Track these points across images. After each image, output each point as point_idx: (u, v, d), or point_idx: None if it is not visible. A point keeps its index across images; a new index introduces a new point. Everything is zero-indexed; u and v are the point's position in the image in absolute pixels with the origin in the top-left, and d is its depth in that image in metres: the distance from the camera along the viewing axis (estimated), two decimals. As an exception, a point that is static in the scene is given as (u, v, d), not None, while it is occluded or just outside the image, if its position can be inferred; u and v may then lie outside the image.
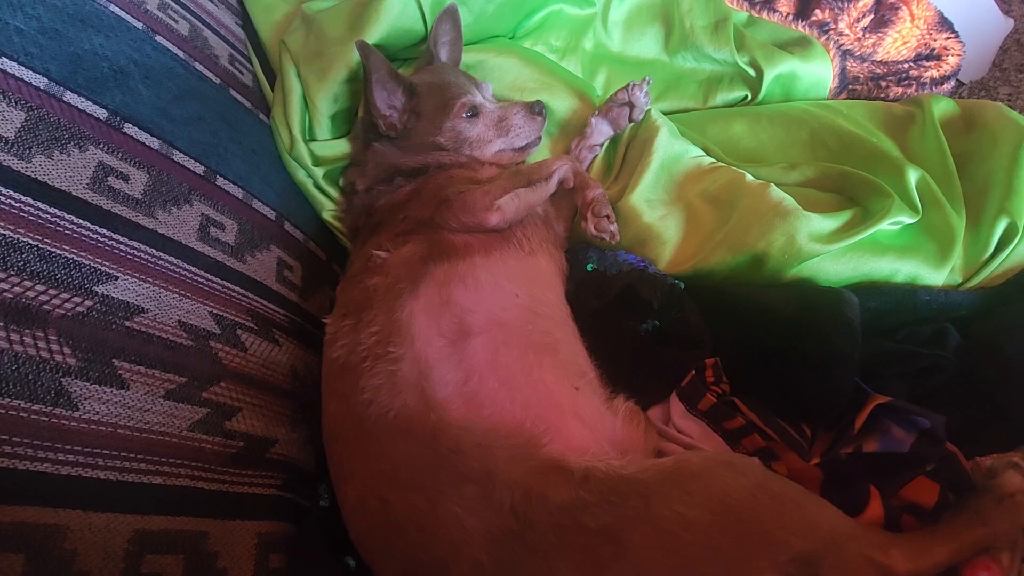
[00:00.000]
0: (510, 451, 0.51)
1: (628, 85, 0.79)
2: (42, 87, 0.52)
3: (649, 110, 0.81)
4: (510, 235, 0.67)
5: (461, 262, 0.62)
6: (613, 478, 0.48)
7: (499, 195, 0.66)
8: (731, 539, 0.45)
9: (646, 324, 0.65)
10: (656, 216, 0.73)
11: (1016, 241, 0.64)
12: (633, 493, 0.47)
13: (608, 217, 0.71)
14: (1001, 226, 0.64)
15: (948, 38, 0.91)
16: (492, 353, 0.56)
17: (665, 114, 0.84)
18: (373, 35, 0.78)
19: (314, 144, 0.80)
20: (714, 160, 0.78)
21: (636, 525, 0.46)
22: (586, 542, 0.46)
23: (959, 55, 0.92)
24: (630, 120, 0.81)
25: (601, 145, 0.83)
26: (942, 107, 0.76)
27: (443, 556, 0.48)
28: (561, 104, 0.84)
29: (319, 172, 0.80)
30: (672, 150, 0.77)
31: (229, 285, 0.63)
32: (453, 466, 0.50)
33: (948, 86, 0.92)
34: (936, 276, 0.65)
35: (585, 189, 0.73)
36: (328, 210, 0.82)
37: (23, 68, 0.51)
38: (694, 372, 0.61)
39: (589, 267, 0.71)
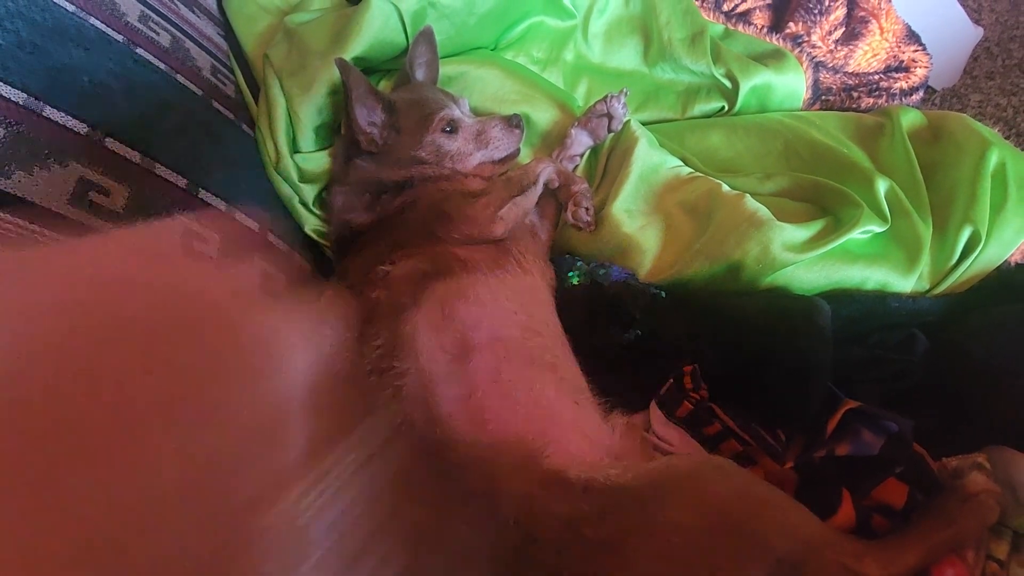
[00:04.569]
0: (512, 465, 0.51)
1: (606, 97, 0.81)
2: (21, 102, 0.52)
3: (628, 121, 0.82)
4: (508, 251, 0.69)
5: (463, 278, 0.63)
6: (610, 488, 0.49)
7: (499, 206, 0.70)
8: (722, 542, 0.46)
9: (628, 334, 0.66)
10: (636, 226, 0.74)
11: (979, 249, 0.66)
12: (629, 502, 0.48)
13: (587, 209, 0.74)
14: (965, 234, 0.67)
15: (916, 50, 0.94)
16: (494, 369, 0.57)
17: (645, 124, 0.85)
18: (356, 48, 0.79)
19: (299, 156, 0.80)
20: (692, 170, 0.80)
21: (634, 534, 0.47)
22: (588, 555, 0.47)
23: (927, 67, 0.95)
24: (609, 131, 0.83)
25: (581, 156, 0.84)
26: (910, 118, 0.78)
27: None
28: (542, 115, 0.85)
29: (304, 189, 0.80)
30: (651, 161, 0.78)
31: (212, 298, 0.63)
32: (459, 482, 0.51)
33: (917, 96, 0.95)
34: (905, 283, 0.67)
35: (571, 184, 0.77)
36: (311, 225, 0.82)
37: (1, 84, 0.51)
38: (672, 380, 0.62)
39: (574, 279, 0.72)
